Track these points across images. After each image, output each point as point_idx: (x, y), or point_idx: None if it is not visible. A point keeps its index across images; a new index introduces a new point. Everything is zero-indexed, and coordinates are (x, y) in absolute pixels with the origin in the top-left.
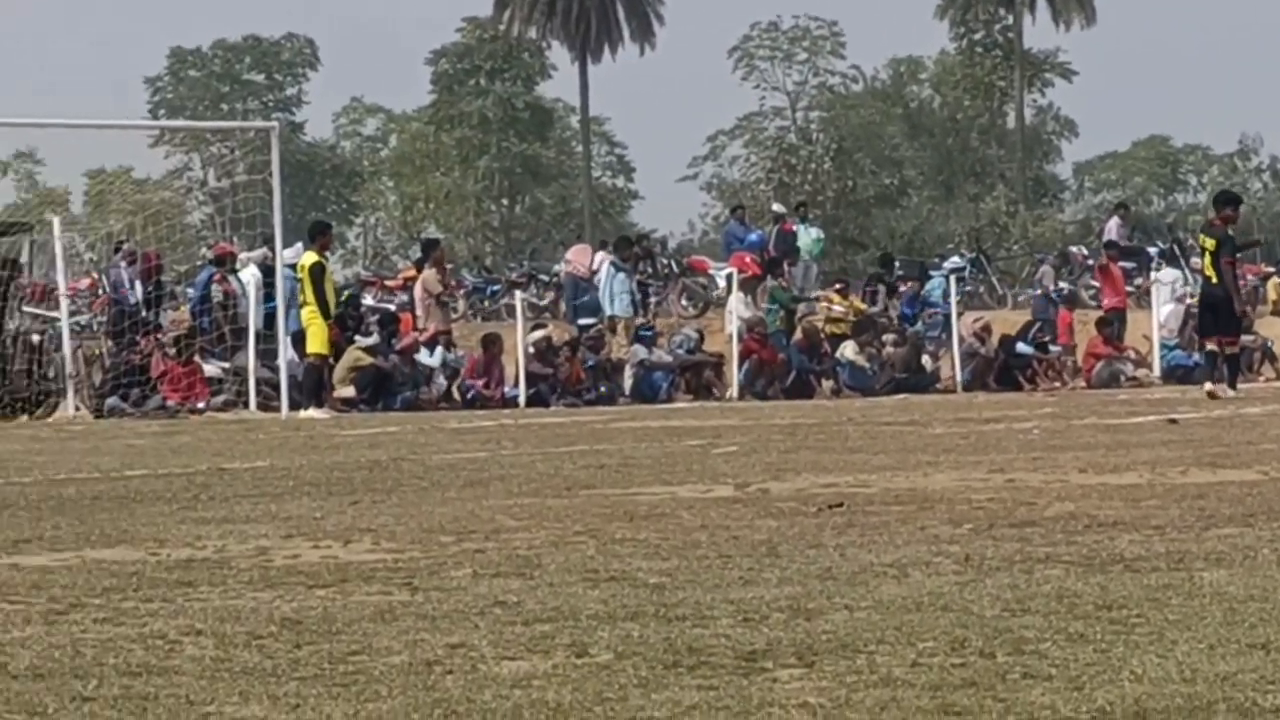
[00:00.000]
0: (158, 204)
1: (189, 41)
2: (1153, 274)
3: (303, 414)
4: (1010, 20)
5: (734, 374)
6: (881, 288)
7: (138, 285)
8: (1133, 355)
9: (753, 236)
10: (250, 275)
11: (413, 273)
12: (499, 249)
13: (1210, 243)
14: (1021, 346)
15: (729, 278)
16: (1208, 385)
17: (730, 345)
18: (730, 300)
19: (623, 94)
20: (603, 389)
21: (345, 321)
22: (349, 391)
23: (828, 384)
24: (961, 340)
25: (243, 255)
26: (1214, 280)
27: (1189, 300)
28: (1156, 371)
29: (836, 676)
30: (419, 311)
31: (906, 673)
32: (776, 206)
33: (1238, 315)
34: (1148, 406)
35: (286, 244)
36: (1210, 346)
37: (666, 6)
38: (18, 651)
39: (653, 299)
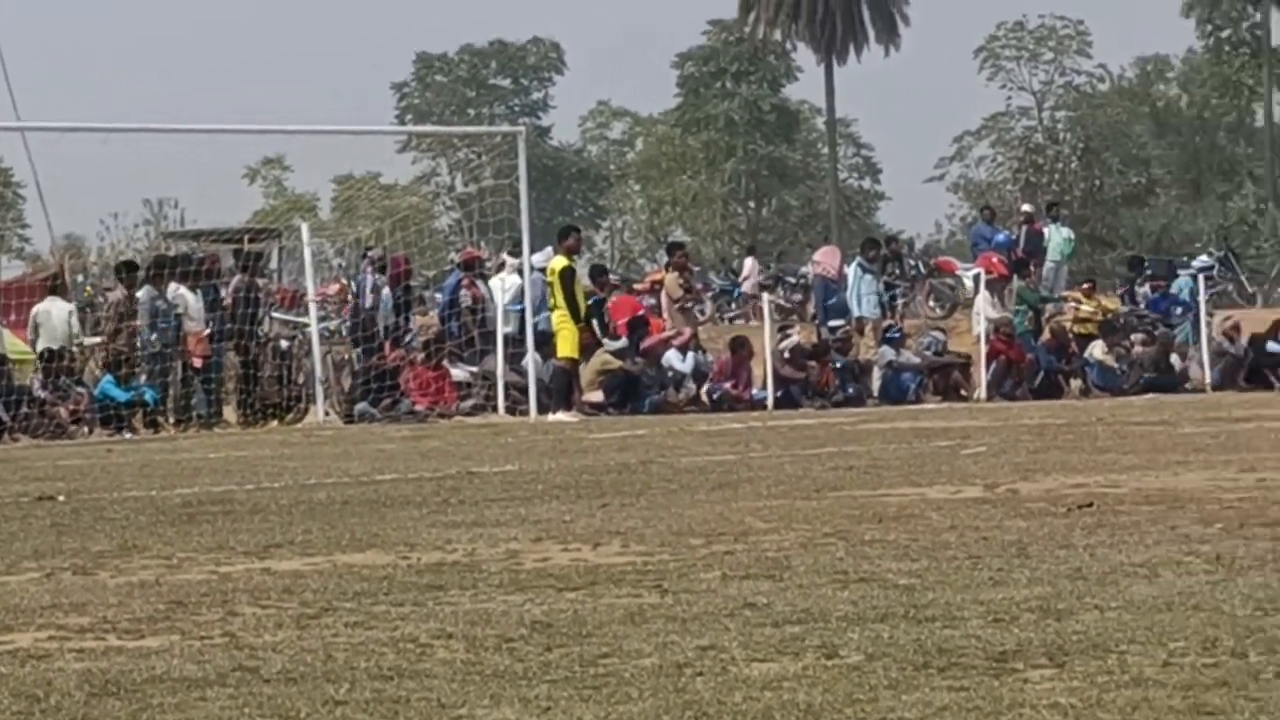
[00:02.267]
0: (405, 209)
1: (435, 47)
2: None
3: (551, 418)
4: (1258, 17)
5: (982, 375)
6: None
7: (385, 291)
8: None
9: (1000, 237)
10: (514, 281)
11: (660, 276)
12: (745, 251)
13: None
14: (1272, 345)
15: (976, 278)
16: None
17: (978, 346)
18: (977, 301)
19: (868, 95)
20: (851, 390)
21: (594, 326)
22: (597, 395)
23: (1076, 384)
24: (1210, 339)
25: (511, 261)
26: None
27: None
28: None
29: (1088, 677)
30: (665, 315)
31: (1158, 673)
32: (1026, 206)
33: None
34: None
35: (534, 248)
36: None
37: (911, 7)
38: (270, 655)
39: (900, 300)
